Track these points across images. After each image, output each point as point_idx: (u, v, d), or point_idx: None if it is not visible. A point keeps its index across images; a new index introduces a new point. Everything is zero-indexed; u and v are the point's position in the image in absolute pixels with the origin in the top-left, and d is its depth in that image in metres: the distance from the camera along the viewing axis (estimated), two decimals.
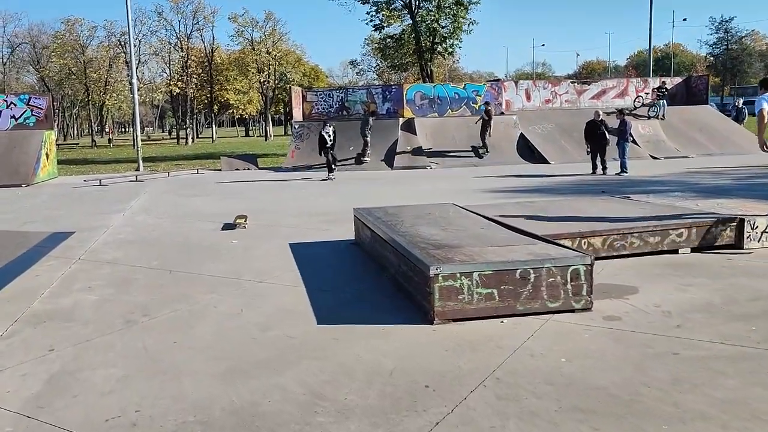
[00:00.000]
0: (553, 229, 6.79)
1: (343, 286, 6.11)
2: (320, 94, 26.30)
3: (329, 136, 17.39)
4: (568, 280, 5.01)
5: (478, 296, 4.88)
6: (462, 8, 34.66)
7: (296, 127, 24.52)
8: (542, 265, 4.97)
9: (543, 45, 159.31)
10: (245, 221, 9.82)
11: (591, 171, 16.99)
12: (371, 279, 6.34)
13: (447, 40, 35.45)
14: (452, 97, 24.65)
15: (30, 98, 22.09)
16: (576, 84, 26.80)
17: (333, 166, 17.91)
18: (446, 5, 34.69)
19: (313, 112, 25.49)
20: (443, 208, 8.25)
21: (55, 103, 64.82)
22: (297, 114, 25.17)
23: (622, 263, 6.59)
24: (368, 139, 21.57)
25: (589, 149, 17.18)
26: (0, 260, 7.54)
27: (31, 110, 21.57)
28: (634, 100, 25.51)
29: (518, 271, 4.94)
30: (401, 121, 23.55)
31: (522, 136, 22.99)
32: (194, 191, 15.71)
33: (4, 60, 63.01)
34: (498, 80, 31.41)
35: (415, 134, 22.89)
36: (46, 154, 20.57)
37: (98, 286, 6.31)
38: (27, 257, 7.82)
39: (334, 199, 13.18)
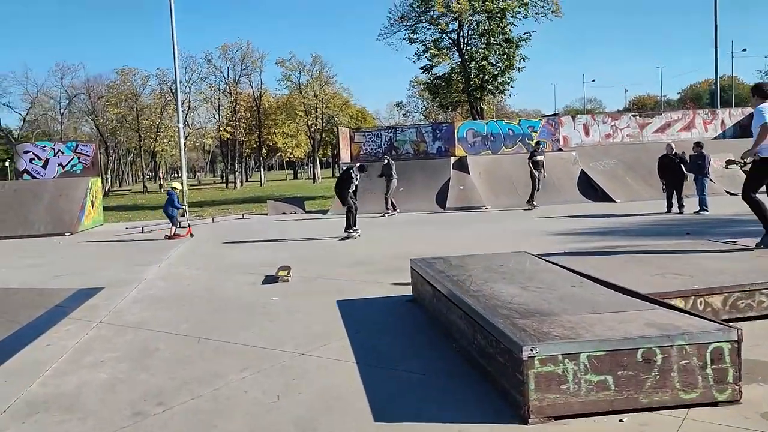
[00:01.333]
0: (658, 284, 5.53)
1: (402, 361, 4.94)
2: (368, 135, 25.55)
3: (356, 177, 13.80)
4: (708, 362, 3.73)
5: (588, 386, 3.66)
6: (513, 45, 33.83)
7: (344, 169, 23.73)
8: (672, 343, 3.72)
9: (593, 81, 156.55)
10: (288, 273, 8.81)
11: (666, 209, 15.49)
12: (437, 350, 5.16)
13: (498, 78, 34.53)
14: (506, 134, 23.56)
15: (77, 146, 21.96)
16: (638, 117, 25.31)
17: (353, 221, 13.73)
18: (496, 42, 33.88)
19: (360, 152, 24.72)
20: (517, 258, 7.04)
21: (109, 151, 66.72)
22: (344, 155, 24.43)
23: (752, 328, 5.24)
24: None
25: (664, 186, 15.71)
26: (15, 323, 6.68)
27: (78, 158, 21.39)
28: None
29: (640, 350, 3.70)
30: (453, 159, 22.56)
31: (583, 172, 21.64)
32: (237, 238, 14.89)
33: (62, 110, 65.02)
34: (554, 115, 30.14)
35: (468, 173, 21.80)
36: (92, 201, 20.22)
37: (112, 360, 5.31)
38: (45, 320, 6.94)
39: (385, 245, 12.09)
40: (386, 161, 19.63)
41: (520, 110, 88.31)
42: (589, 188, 21.07)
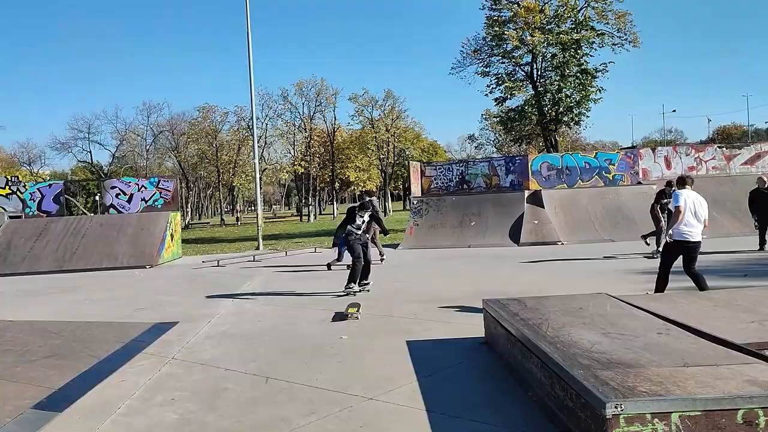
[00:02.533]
0: (755, 333, 5.08)
1: (475, 410, 4.69)
2: (439, 168, 25.42)
3: (361, 219, 10.95)
4: None
5: None
6: (589, 77, 33.17)
7: (414, 202, 23.66)
8: None
9: (674, 111, 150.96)
10: (357, 311, 8.70)
11: (758, 247, 14.52)
12: (512, 399, 4.88)
13: (573, 110, 33.85)
14: (582, 167, 22.90)
15: (159, 181, 22.86)
16: (724, 148, 24.12)
17: (359, 272, 10.71)
18: (571, 74, 33.31)
19: (431, 186, 24.60)
20: (597, 300, 6.67)
21: (190, 185, 69.40)
22: (415, 189, 24.37)
23: None
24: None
25: (756, 222, 14.78)
26: (93, 358, 6.84)
27: (160, 192, 22.24)
28: None
29: (740, 411, 3.35)
30: (527, 193, 22.07)
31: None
32: (309, 273, 14.96)
33: (148, 147, 68.34)
34: (633, 147, 29.18)
35: (543, 207, 21.25)
36: (171, 234, 20.91)
37: (182, 399, 5.31)
38: (121, 354, 7.08)
39: (456, 282, 11.82)
40: (367, 201, 14.23)
41: (596, 142, 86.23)
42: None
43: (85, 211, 29.32)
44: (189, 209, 67.47)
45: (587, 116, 34.87)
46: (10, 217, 21.27)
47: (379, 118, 63.88)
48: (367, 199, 13.40)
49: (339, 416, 4.71)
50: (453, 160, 38.54)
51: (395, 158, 67.86)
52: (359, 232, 10.87)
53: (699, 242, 8.41)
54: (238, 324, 8.73)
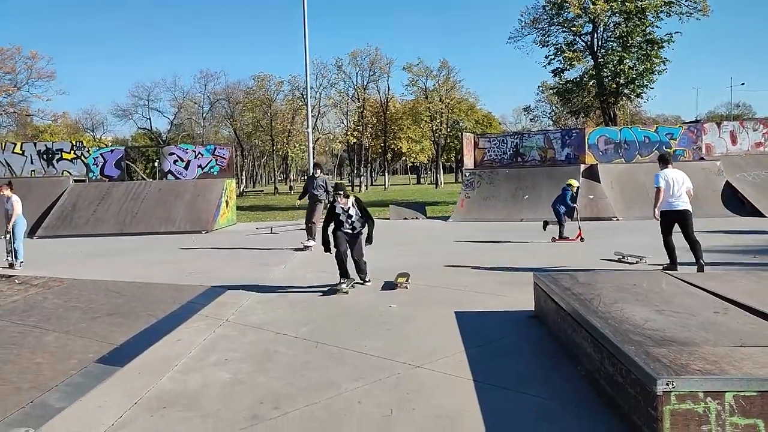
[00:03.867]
0: None
1: (523, 382, 4.69)
2: (493, 141, 25.10)
3: (345, 212, 8.70)
4: None
5: (733, 429, 3.26)
6: (654, 47, 31.86)
7: (467, 175, 23.47)
8: None
9: (743, 84, 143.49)
10: (407, 281, 8.75)
11: None
12: (560, 373, 4.85)
13: (635, 81, 32.69)
14: (641, 141, 22.26)
15: (215, 148, 23.33)
16: None
17: (353, 275, 8.90)
18: (634, 44, 32.10)
19: (485, 159, 24.34)
20: (653, 277, 6.53)
21: (245, 153, 70.56)
22: (468, 161, 24.16)
23: None
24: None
25: None
26: (152, 317, 7.11)
27: (216, 160, 22.72)
28: None
29: None
30: (582, 167, 21.60)
31: (728, 184, 19.94)
32: None
33: (205, 115, 69.62)
34: (696, 122, 28.09)
35: (599, 182, 20.78)
36: (226, 201, 21.38)
37: (235, 360, 5.48)
38: (178, 315, 7.33)
39: (506, 256, 11.73)
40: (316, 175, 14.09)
41: (658, 116, 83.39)
42: (735, 201, 19.36)
43: (144, 176, 30.23)
44: (243, 177, 68.69)
45: (650, 88, 33.71)
46: (75, 181, 22.12)
47: (433, 88, 63.28)
48: (318, 174, 14.02)
49: (387, 382, 4.78)
50: (507, 132, 37.95)
51: (448, 130, 67.27)
52: (351, 224, 8.70)
53: (688, 210, 9.30)
54: (289, 289, 8.90)
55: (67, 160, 22.78)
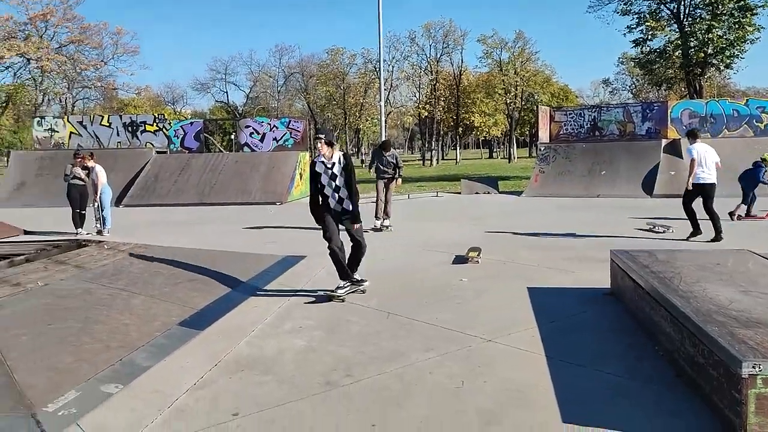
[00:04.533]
0: None
1: (598, 360, 4.59)
2: (570, 114, 24.39)
3: (328, 170, 6.61)
4: None
5: None
6: (748, 14, 29.85)
7: (542, 149, 22.96)
8: None
9: None
10: (478, 255, 8.70)
11: None
12: (637, 352, 4.72)
13: (725, 51, 30.85)
14: (729, 115, 21.08)
15: (290, 121, 23.75)
16: None
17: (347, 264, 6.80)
18: (725, 11, 30.21)
19: (561, 132, 23.71)
20: (738, 257, 6.23)
21: (318, 126, 71.50)
22: (543, 135, 23.60)
23: None
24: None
25: None
26: (229, 285, 7.37)
27: (290, 132, 23.13)
28: None
29: None
30: (664, 142, 20.73)
31: None
32: (431, 215, 15.09)
33: (279, 88, 70.82)
34: None
35: (681, 158, 19.87)
36: (300, 174, 21.77)
37: (309, 328, 5.63)
38: (254, 283, 7.57)
39: (582, 232, 11.45)
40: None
41: (748, 88, 78.71)
42: None
43: (221, 148, 31.09)
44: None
45: (741, 59, 31.77)
46: (157, 153, 23.03)
47: (508, 60, 61.91)
48: (388, 151, 12.89)
49: (457, 354, 4.79)
50: (585, 106, 36.72)
51: (523, 103, 65.79)
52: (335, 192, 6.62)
53: (714, 184, 10.13)
54: (362, 261, 9.00)
55: (150, 132, 23.72)
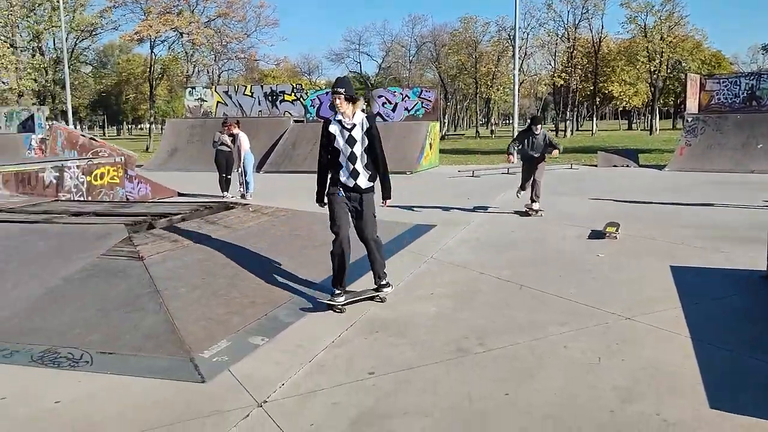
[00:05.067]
0: None
1: (748, 347, 4.28)
2: (723, 82, 22.47)
3: (346, 133, 5.29)
4: None
5: None
6: None
7: (689, 120, 21.37)
8: None
9: None
10: (616, 231, 8.33)
11: None
12: None
13: None
14: None
15: (421, 91, 23.76)
16: None
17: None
18: None
19: (711, 102, 21.94)
20: None
21: (448, 96, 71.06)
22: (691, 105, 21.94)
23: None
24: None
25: None
26: (362, 249, 7.58)
27: (421, 102, 23.16)
28: None
29: None
30: None
31: None
32: (565, 188, 14.60)
33: (411, 58, 70.95)
34: None
35: None
36: (430, 144, 21.81)
37: (440, 295, 5.70)
38: (385, 249, 7.72)
39: (732, 209, 10.61)
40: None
41: None
42: None
43: None
44: (446, 121, 69.32)
45: None
46: (295, 122, 23.98)
47: (653, 25, 57.79)
48: (538, 130, 10.35)
49: (594, 330, 4.66)
50: (741, 73, 33.59)
51: (668, 71, 61.35)
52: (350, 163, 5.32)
53: None
54: (491, 232, 8.95)
55: (288, 101, 24.71)
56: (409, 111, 23.22)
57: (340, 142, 5.23)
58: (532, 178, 10.46)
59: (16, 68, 41.04)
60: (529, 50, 59.87)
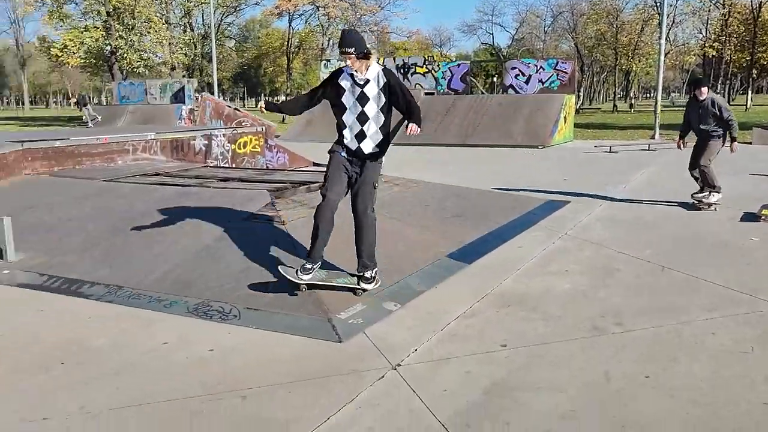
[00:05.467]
0: None
1: None
2: None
3: (357, 88, 4.59)
4: None
5: None
6: None
7: None
8: None
9: None
10: None
11: None
12: None
13: None
14: None
15: (557, 63, 22.92)
16: None
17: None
18: None
19: None
20: None
21: (584, 68, 67.98)
22: None
23: None
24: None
25: None
26: (493, 223, 7.53)
27: (557, 74, 22.34)
28: None
29: None
30: None
31: None
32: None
33: (546, 29, 68.44)
34: None
35: None
36: (564, 117, 21.04)
37: (574, 272, 5.54)
38: (518, 223, 7.63)
39: None
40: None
41: None
42: None
43: (482, 90, 31.29)
44: (581, 94, 66.46)
45: None
46: (426, 94, 24.01)
47: None
48: (703, 96, 8.15)
49: (745, 318, 4.35)
50: None
51: None
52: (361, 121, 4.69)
53: None
54: (629, 210, 8.53)
55: (420, 74, 24.75)
56: (543, 83, 22.49)
57: (349, 100, 4.59)
58: (697, 161, 8.53)
59: (170, 43, 44.23)
60: (678, 18, 55.71)
